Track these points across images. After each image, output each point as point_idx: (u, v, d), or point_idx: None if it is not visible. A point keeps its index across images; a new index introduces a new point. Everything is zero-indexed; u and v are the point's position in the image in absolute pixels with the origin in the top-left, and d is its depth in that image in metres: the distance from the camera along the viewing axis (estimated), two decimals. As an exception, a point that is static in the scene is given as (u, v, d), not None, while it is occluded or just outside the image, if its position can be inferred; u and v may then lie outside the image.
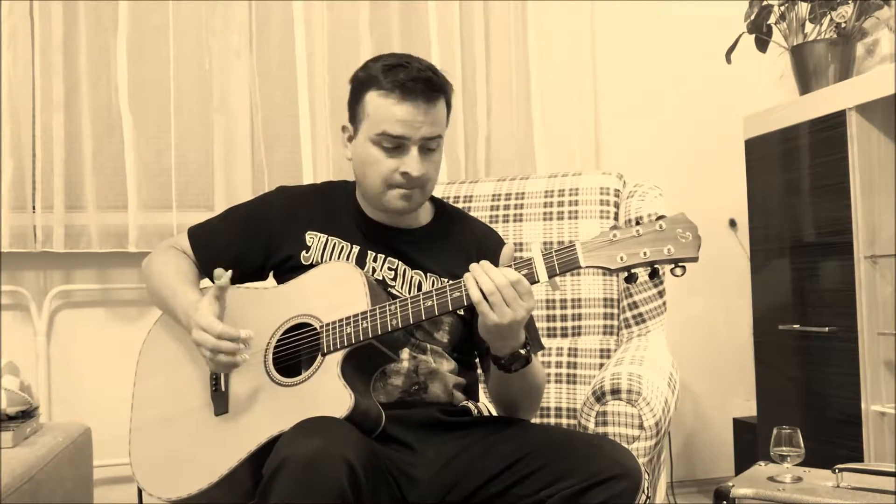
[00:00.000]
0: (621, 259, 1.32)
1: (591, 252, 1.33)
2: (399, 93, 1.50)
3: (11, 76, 2.49)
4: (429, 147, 1.54)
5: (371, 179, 1.57)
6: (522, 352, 1.43)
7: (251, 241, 1.66)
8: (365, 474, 1.24)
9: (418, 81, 1.50)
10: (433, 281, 1.60)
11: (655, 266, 1.32)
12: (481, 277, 1.35)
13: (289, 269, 1.63)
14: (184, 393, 1.56)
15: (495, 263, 1.37)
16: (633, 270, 1.33)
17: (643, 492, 1.36)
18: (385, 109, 1.51)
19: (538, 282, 1.35)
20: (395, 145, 1.52)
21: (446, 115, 1.58)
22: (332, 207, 1.68)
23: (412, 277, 1.61)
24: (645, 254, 1.31)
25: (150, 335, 1.66)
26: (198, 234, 1.70)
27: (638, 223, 1.33)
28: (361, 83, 1.56)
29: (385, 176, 1.54)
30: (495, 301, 1.33)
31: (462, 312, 1.56)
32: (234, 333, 1.41)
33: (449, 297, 1.39)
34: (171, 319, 1.61)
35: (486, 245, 1.66)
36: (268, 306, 1.55)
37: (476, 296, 1.34)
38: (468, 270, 1.38)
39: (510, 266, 1.36)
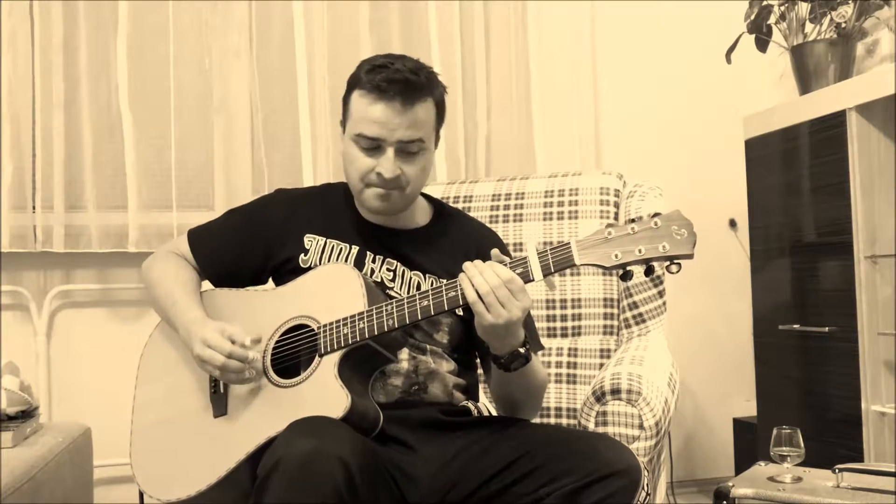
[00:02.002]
0: (616, 256, 1.31)
1: (585, 250, 1.33)
2: (375, 94, 1.50)
3: (11, 76, 2.49)
4: (408, 150, 1.53)
5: (350, 177, 1.58)
6: (521, 350, 1.43)
7: (250, 245, 1.66)
8: (361, 474, 1.24)
9: (395, 83, 1.48)
10: (432, 281, 1.60)
11: (651, 263, 1.31)
12: (476, 278, 1.34)
13: (288, 271, 1.63)
14: (183, 395, 1.56)
15: None
16: (628, 268, 1.33)
17: (643, 488, 1.36)
18: (363, 110, 1.51)
19: (533, 280, 1.35)
20: (371, 146, 1.52)
21: (435, 118, 1.57)
22: (331, 209, 1.68)
23: (411, 278, 1.60)
24: (640, 251, 1.30)
25: (150, 340, 1.67)
26: (197, 238, 1.71)
27: (634, 221, 1.32)
28: (350, 81, 1.57)
29: (361, 174, 1.55)
30: (490, 301, 1.33)
31: (461, 312, 1.56)
32: (244, 354, 1.43)
33: (445, 297, 1.39)
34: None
35: (485, 245, 1.65)
36: (266, 308, 1.56)
37: (472, 296, 1.34)
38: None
39: (504, 264, 1.36)
